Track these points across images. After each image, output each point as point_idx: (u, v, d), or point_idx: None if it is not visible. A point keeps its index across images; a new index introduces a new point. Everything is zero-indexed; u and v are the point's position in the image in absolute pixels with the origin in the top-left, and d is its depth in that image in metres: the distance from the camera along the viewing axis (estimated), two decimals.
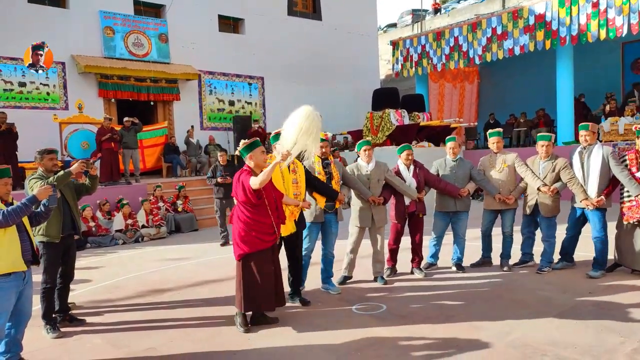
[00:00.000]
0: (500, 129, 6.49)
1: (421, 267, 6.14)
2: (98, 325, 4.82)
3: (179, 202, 11.08)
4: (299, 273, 5.14)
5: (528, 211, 5.88)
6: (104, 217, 9.98)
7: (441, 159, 6.20)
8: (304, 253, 5.23)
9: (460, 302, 4.87)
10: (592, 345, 3.70)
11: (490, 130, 6.27)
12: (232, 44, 15.85)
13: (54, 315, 4.66)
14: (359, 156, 5.76)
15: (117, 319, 5.00)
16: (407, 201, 5.80)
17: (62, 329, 4.62)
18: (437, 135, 14.41)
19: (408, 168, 5.86)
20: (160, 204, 10.77)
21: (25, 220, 3.74)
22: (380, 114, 14.60)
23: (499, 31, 14.08)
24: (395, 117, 14.44)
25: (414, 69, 16.74)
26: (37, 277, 4.72)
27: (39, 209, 3.87)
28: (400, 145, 6.00)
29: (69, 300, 5.20)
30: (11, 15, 12.21)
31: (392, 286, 5.59)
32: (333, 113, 15.17)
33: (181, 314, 4.98)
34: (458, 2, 25.14)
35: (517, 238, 6.15)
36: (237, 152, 4.16)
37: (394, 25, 28.44)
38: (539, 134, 6.13)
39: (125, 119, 11.98)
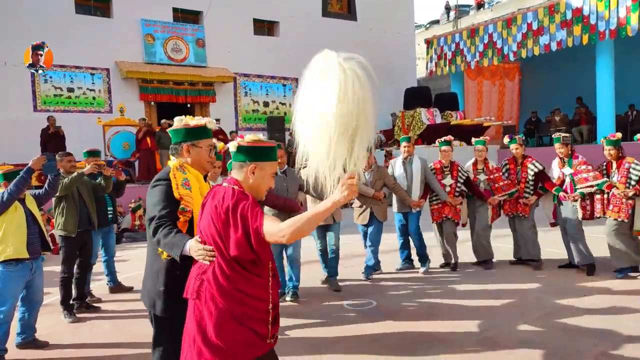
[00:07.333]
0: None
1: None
2: (111, 313, 5.26)
3: None
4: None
5: (365, 221, 5.82)
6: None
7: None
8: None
9: (447, 301, 4.94)
10: (564, 347, 3.71)
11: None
12: (267, 47, 16.27)
13: (71, 302, 5.14)
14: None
15: (130, 307, 5.43)
16: None
17: (79, 315, 5.10)
18: (469, 134, 14.24)
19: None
20: None
21: (37, 212, 4.21)
22: (412, 112, 14.61)
23: (534, 27, 13.71)
24: (427, 116, 14.40)
25: (447, 67, 16.56)
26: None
27: (43, 190, 4.34)
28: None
29: (92, 291, 5.74)
30: (60, 25, 13.17)
31: (386, 284, 5.73)
32: None
33: None
34: None
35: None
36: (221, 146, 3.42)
37: (437, 22, 28.06)
38: None
39: (163, 121, 12.66)
